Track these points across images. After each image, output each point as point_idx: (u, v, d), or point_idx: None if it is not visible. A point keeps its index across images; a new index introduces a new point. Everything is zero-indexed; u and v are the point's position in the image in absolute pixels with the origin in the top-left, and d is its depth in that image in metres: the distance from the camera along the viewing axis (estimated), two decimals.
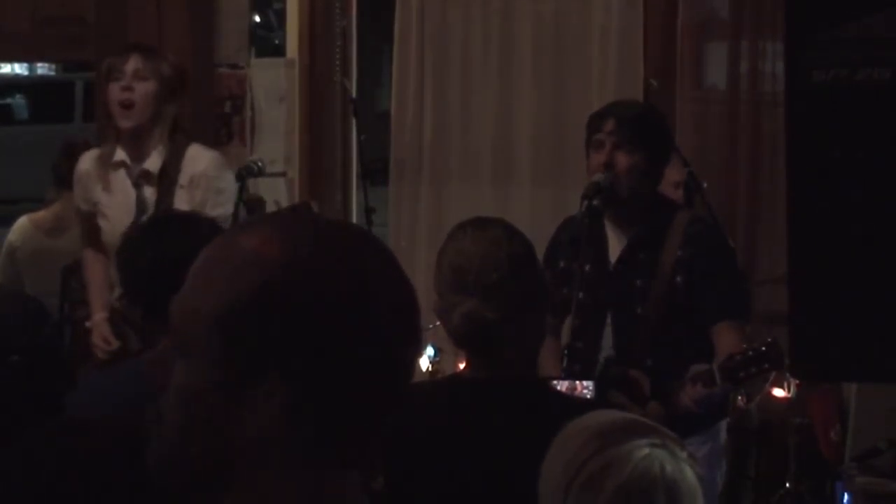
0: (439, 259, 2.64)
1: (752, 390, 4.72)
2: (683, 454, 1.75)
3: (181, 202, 4.05)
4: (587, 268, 3.64)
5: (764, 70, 5.28)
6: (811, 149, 2.69)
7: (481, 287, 2.54)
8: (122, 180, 4.15)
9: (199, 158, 4.13)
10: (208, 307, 1.22)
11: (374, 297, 1.23)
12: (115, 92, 4.08)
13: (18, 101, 16.10)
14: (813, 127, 2.68)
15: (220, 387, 1.22)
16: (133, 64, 4.08)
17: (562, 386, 3.31)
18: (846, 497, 4.23)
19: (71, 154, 5.43)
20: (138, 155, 4.11)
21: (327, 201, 5.80)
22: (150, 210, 4.06)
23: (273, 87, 5.72)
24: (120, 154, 4.14)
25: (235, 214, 4.06)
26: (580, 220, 3.64)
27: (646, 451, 1.72)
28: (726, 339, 3.56)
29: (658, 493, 1.70)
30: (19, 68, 17.30)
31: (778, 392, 4.70)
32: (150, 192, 4.11)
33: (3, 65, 16.55)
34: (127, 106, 4.06)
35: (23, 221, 5.48)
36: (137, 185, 4.10)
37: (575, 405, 2.70)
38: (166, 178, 4.08)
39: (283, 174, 5.59)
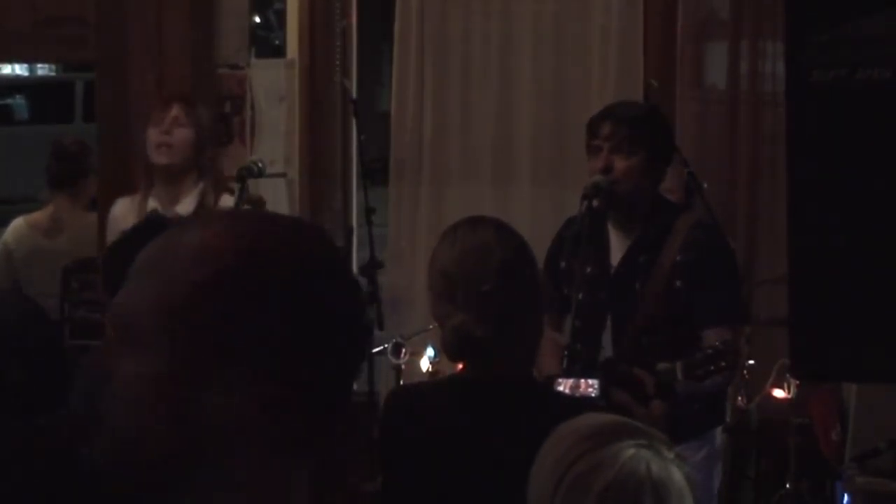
0: (431, 261, 2.63)
1: (752, 391, 4.73)
2: (671, 455, 1.75)
3: None
4: (588, 269, 3.64)
5: (764, 70, 5.28)
6: (811, 148, 2.69)
7: (471, 298, 2.52)
8: None
9: (228, 204, 4.25)
10: (162, 299, 1.22)
11: (321, 279, 1.26)
12: (153, 135, 4.26)
13: (18, 101, 16.09)
14: (813, 127, 2.68)
15: (180, 374, 1.21)
16: (174, 112, 4.26)
17: (566, 384, 3.32)
18: (846, 497, 4.22)
19: (62, 155, 5.45)
20: (171, 200, 4.21)
21: (327, 201, 5.80)
22: None
23: (273, 87, 5.72)
24: (152, 202, 4.27)
25: None
26: (580, 221, 3.64)
27: (632, 451, 1.73)
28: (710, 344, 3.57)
29: (645, 493, 1.70)
30: (19, 68, 17.27)
31: (778, 392, 4.70)
32: None
33: (3, 65, 16.53)
34: (163, 145, 4.23)
35: (18, 223, 5.47)
36: None
37: (571, 404, 2.70)
38: None
39: (283, 174, 5.59)
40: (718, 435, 3.96)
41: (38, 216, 5.47)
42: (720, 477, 4.13)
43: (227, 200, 4.30)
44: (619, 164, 3.60)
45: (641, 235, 3.67)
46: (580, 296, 3.60)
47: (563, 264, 3.74)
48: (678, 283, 3.60)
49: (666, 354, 3.53)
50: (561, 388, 3.27)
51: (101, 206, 5.70)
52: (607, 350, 3.65)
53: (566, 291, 3.68)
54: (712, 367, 3.36)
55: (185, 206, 4.21)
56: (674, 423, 3.26)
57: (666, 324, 3.58)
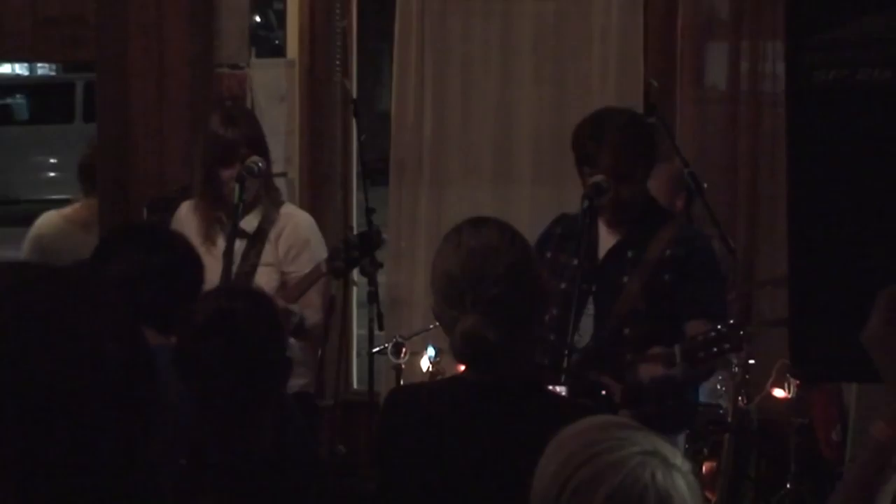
0: (435, 262, 2.61)
1: (752, 391, 4.73)
2: (678, 462, 1.73)
3: (267, 256, 4.15)
4: (575, 262, 3.66)
5: (764, 70, 5.29)
6: (811, 149, 2.68)
7: (480, 302, 2.51)
8: (217, 232, 4.18)
9: (291, 217, 4.23)
10: None
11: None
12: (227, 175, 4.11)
13: (18, 101, 16.09)
14: (813, 127, 2.67)
15: None
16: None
17: None
18: None
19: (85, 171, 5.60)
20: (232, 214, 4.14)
21: (327, 201, 5.80)
22: (237, 263, 4.11)
23: (273, 87, 5.72)
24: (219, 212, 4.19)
25: (235, 214, 4.06)
26: (581, 220, 3.65)
27: (638, 458, 1.71)
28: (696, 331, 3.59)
29: (648, 502, 1.69)
30: (19, 68, 17.29)
31: (778, 392, 4.71)
32: (239, 245, 4.13)
33: (3, 65, 16.54)
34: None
35: (51, 215, 5.58)
36: (229, 240, 4.08)
37: (572, 407, 2.70)
38: (258, 237, 4.17)
39: (284, 174, 5.59)
40: (682, 442, 3.89)
41: (74, 211, 5.55)
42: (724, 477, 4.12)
43: (288, 209, 4.28)
44: (625, 189, 3.65)
45: (630, 233, 3.71)
46: (562, 286, 3.63)
47: (548, 254, 3.78)
48: (666, 277, 3.63)
49: (645, 347, 3.55)
50: None
51: (103, 204, 5.72)
52: (584, 339, 3.65)
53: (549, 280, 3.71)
54: (714, 349, 3.38)
55: (250, 220, 4.17)
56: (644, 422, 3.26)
57: (648, 316, 3.61)
